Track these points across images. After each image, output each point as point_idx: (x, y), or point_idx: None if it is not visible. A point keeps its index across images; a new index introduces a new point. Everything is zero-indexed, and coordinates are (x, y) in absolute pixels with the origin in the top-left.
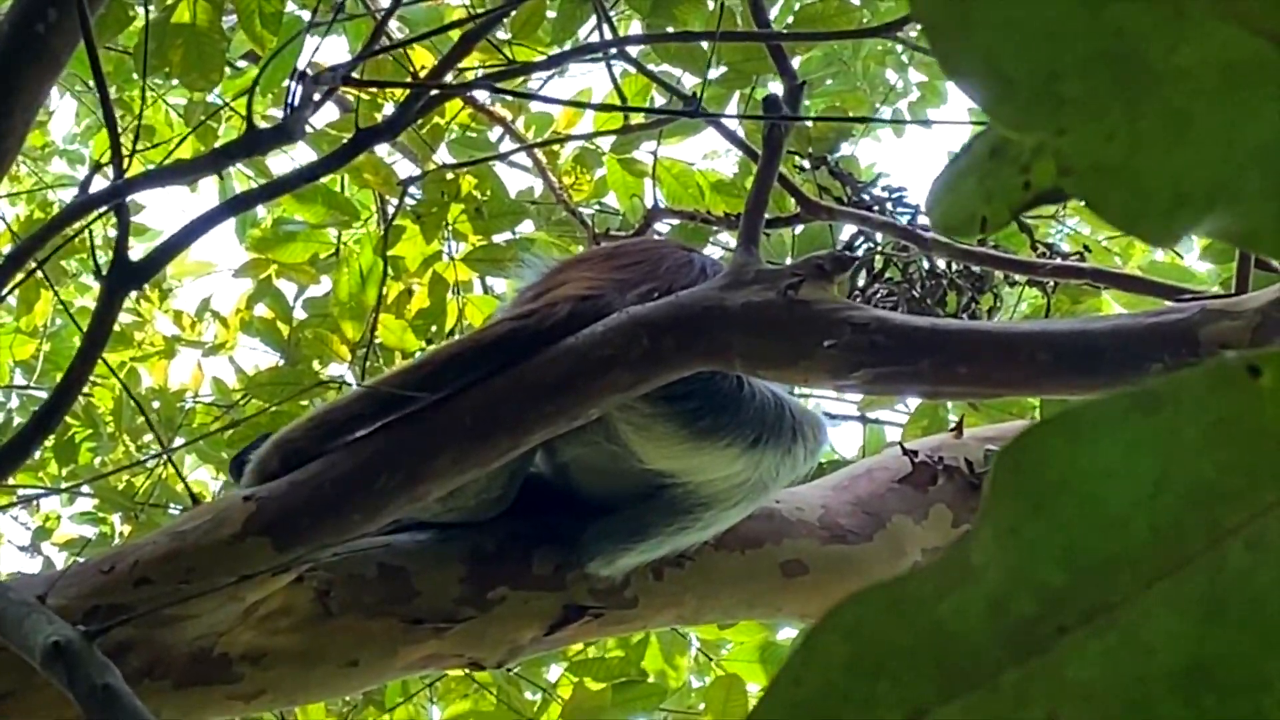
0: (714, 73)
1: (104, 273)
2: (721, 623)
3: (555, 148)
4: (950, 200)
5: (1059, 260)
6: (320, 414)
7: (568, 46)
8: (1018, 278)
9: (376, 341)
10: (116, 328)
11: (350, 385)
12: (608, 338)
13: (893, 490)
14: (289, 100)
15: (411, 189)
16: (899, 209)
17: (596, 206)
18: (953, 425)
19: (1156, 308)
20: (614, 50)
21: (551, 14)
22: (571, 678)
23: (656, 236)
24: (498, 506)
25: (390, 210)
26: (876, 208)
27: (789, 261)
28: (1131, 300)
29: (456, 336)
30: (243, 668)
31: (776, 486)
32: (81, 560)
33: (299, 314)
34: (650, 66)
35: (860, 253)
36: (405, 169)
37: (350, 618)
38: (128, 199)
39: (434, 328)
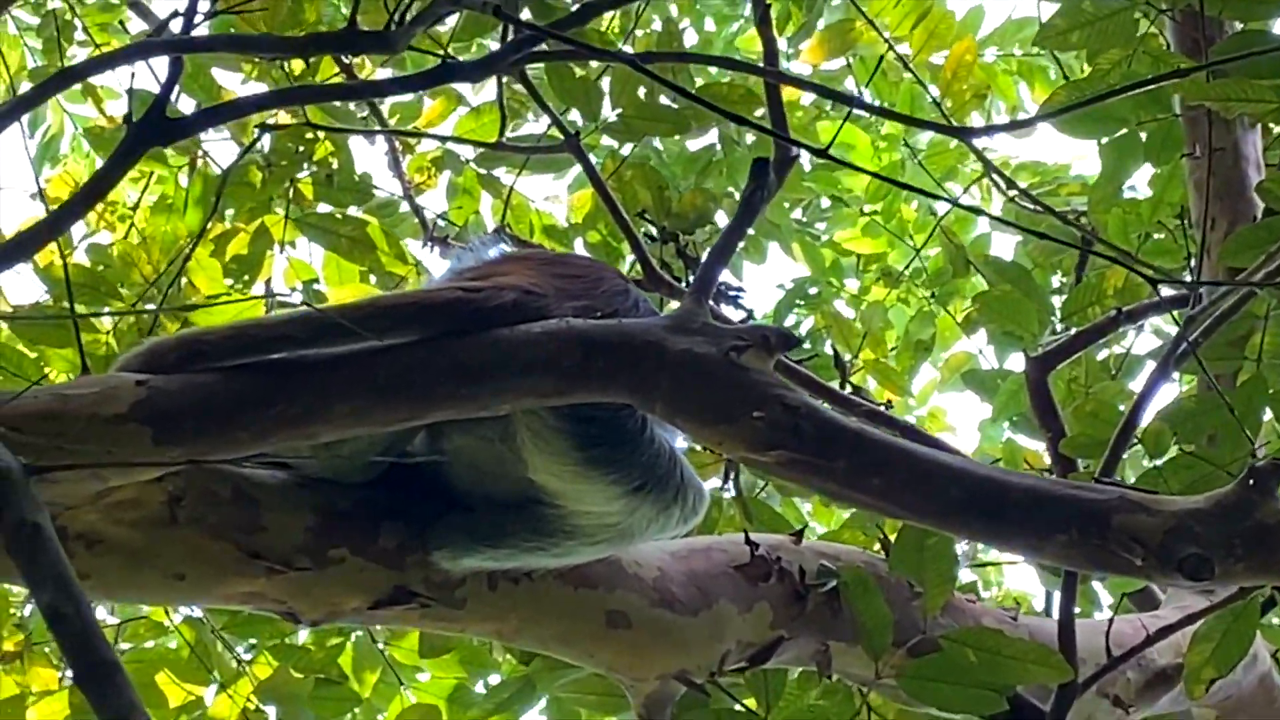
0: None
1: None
2: (534, 650)
3: (411, 142)
4: None
5: None
6: (243, 325)
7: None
8: None
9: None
10: None
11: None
12: (542, 340)
13: (726, 575)
14: (398, 10)
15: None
16: (733, 308)
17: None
18: (795, 530)
19: (1076, 480)
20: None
21: None
22: (271, 659)
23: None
24: (367, 472)
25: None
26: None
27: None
28: None
29: (399, 290)
30: (76, 547)
31: (642, 538)
32: None
33: (80, 256)
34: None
35: None
36: None
37: (192, 531)
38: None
39: (246, 276)
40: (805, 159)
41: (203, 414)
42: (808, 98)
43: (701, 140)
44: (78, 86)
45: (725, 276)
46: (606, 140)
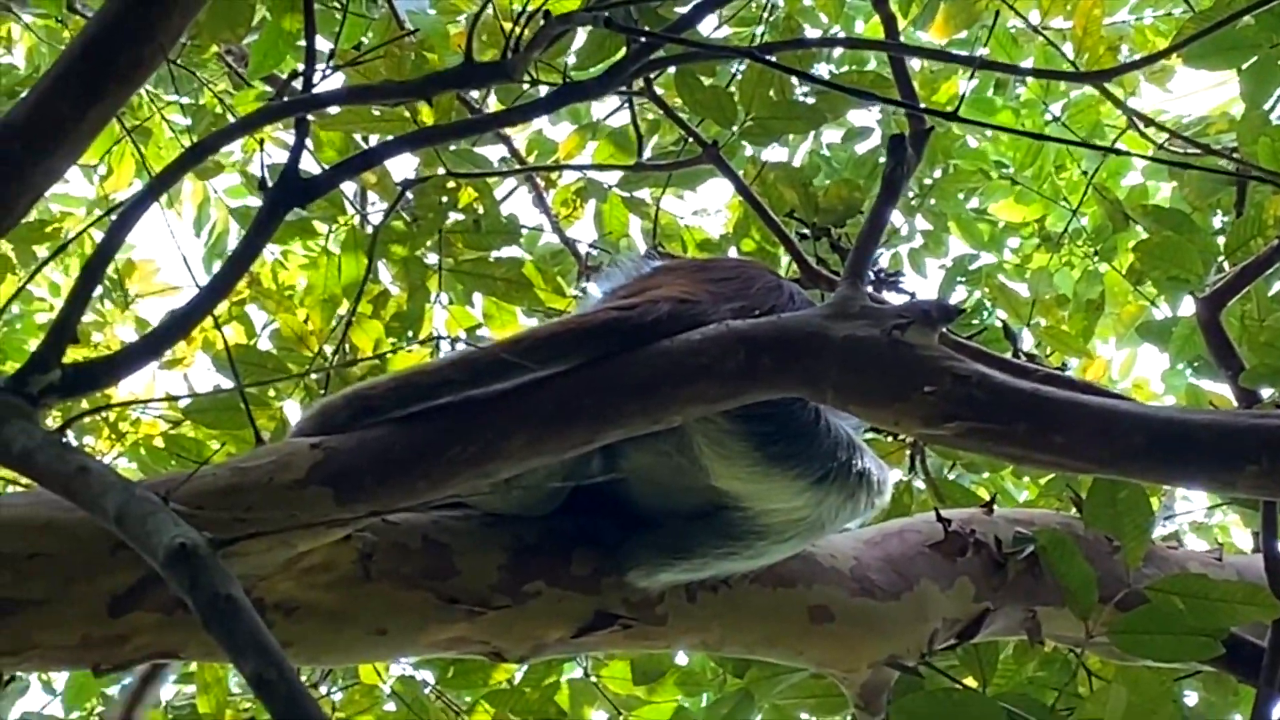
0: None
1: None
2: (741, 656)
3: (553, 175)
4: None
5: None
6: (406, 375)
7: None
8: None
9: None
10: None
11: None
12: (704, 346)
13: (923, 554)
14: (509, 39)
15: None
16: (896, 292)
17: (601, 245)
18: (984, 502)
19: (1258, 409)
20: (640, 85)
21: None
22: (488, 707)
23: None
24: (549, 503)
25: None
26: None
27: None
28: None
29: (557, 318)
30: (274, 616)
31: (832, 528)
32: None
33: (264, 344)
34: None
35: None
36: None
37: (387, 585)
38: (310, 114)
39: (409, 332)
40: (972, 141)
41: (380, 468)
42: (964, 85)
43: (867, 144)
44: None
45: (883, 262)
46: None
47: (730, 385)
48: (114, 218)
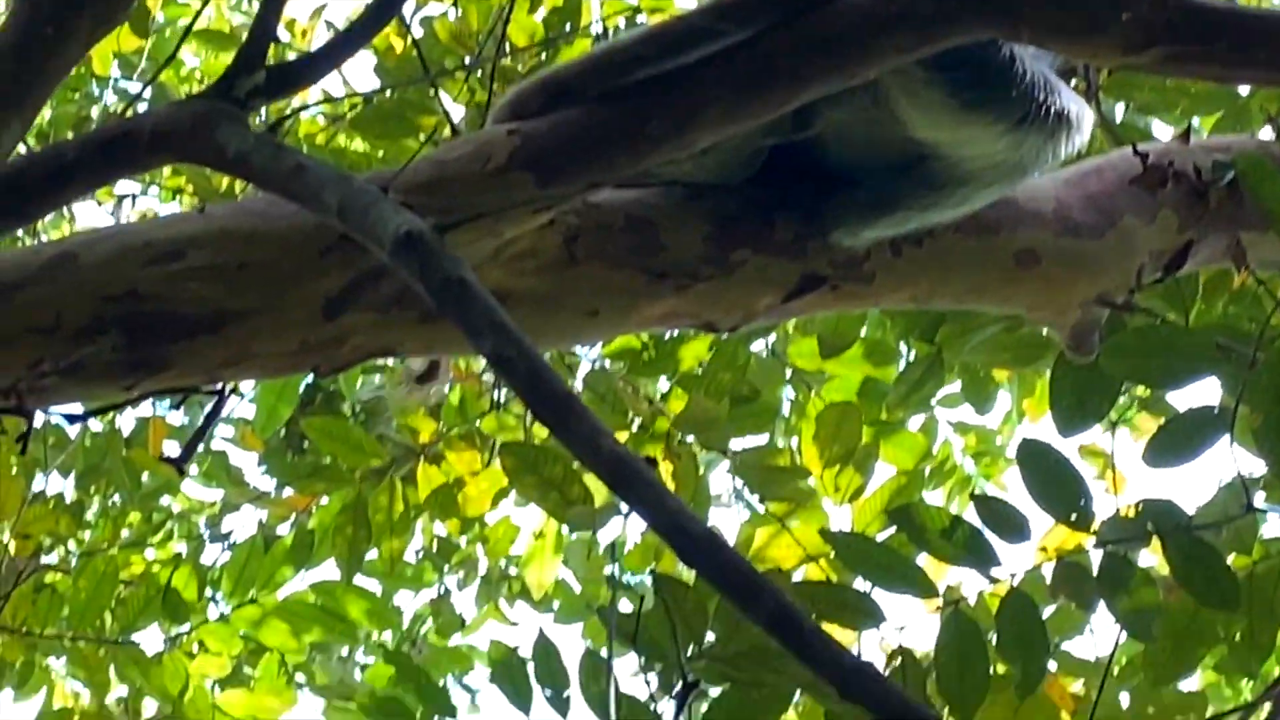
0: None
1: None
2: (950, 308)
3: None
4: None
5: None
6: (598, 54)
7: None
8: None
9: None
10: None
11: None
12: None
13: (1123, 190)
14: None
15: None
16: None
17: None
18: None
19: None
20: None
21: None
22: (681, 393)
23: None
24: (746, 169)
25: None
26: None
27: None
28: None
29: None
30: None
31: (1034, 170)
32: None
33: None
34: None
35: None
36: None
37: (595, 266)
38: None
39: (568, 25)
40: None
41: (579, 148)
42: None
43: None
44: None
45: None
46: None
47: (924, 32)
48: None
